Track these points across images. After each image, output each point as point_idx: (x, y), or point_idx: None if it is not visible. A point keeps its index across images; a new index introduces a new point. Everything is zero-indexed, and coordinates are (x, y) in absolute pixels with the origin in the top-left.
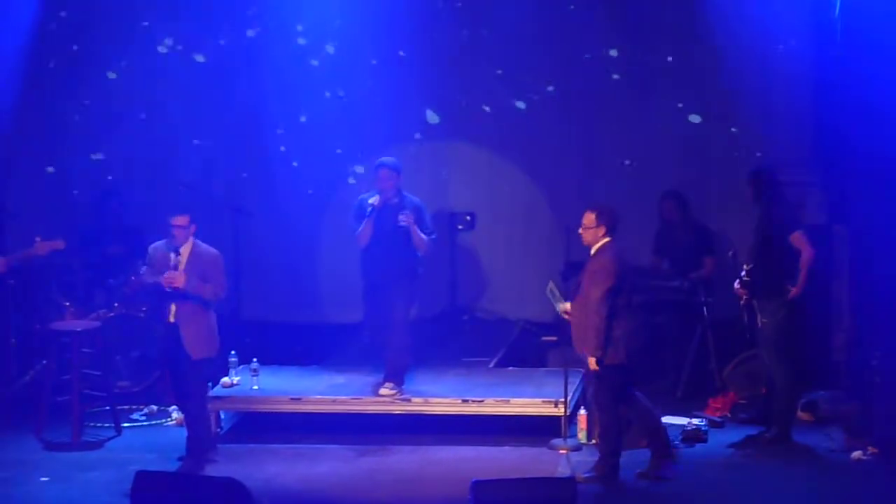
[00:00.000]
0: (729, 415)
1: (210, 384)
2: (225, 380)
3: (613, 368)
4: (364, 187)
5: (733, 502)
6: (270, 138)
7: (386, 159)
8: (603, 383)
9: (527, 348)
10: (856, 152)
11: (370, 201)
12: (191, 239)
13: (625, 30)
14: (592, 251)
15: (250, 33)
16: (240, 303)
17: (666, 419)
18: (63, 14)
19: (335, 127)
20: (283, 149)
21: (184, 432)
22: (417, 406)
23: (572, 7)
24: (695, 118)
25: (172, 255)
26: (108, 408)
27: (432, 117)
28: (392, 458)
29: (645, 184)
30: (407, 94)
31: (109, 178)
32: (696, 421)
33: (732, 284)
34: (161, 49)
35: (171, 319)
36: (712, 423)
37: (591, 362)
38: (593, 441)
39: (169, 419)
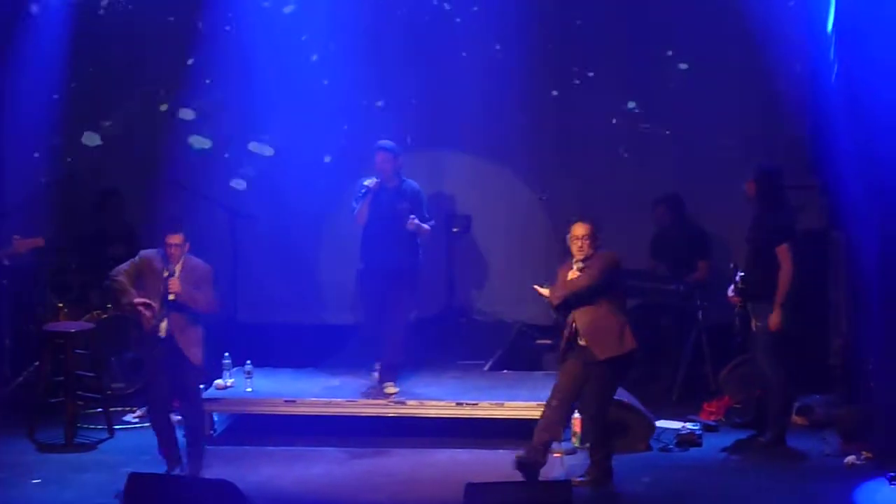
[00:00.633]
0: (723, 419)
1: (203, 385)
2: (219, 382)
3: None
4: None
5: None
6: (267, 139)
7: (384, 142)
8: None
9: (522, 351)
10: (854, 158)
11: (366, 182)
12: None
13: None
14: (584, 262)
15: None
16: (235, 305)
17: (660, 423)
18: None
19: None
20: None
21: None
22: (412, 409)
23: (579, 22)
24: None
25: (167, 271)
26: (101, 409)
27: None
28: (387, 461)
29: (642, 187)
30: (403, 98)
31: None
32: (690, 425)
33: (728, 288)
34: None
35: (162, 334)
36: (707, 427)
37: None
38: (587, 445)
39: None
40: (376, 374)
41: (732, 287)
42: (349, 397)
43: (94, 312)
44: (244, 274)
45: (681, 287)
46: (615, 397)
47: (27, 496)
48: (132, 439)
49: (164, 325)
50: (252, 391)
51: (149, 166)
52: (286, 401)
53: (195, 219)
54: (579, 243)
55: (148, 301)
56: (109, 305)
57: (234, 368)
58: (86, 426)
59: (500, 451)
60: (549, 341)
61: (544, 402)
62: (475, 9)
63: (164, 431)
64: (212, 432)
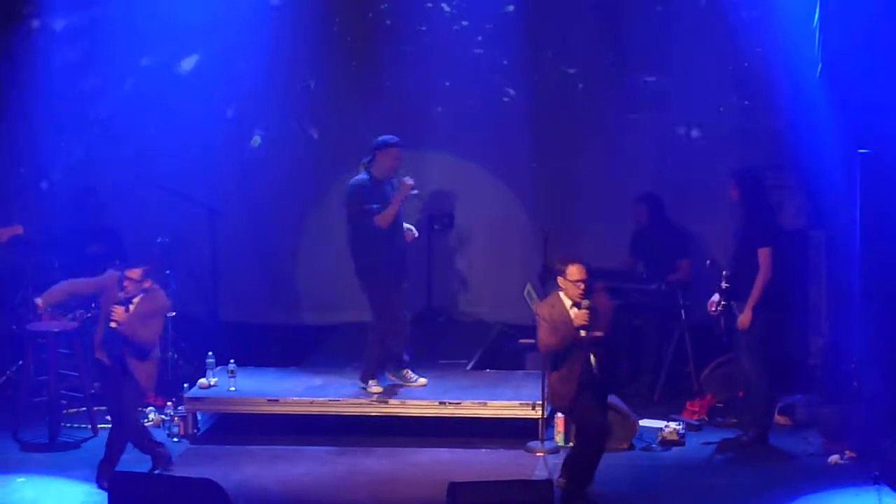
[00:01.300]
0: (706, 418)
1: (186, 385)
2: (202, 381)
3: None
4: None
5: None
6: (247, 139)
7: (394, 137)
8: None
9: (504, 351)
10: (834, 158)
11: (409, 184)
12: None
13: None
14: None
15: None
16: (217, 304)
17: (643, 422)
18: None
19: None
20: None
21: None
22: (395, 408)
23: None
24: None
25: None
26: (84, 408)
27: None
28: (369, 460)
29: (623, 185)
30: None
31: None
32: (673, 424)
33: (710, 287)
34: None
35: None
36: (689, 427)
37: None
38: (570, 444)
39: (146, 420)
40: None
41: (717, 290)
42: (332, 396)
43: (77, 312)
44: (226, 273)
45: (662, 286)
46: None
47: (11, 495)
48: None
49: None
50: (235, 390)
51: (130, 165)
52: (269, 400)
53: (174, 217)
54: (582, 286)
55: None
56: (93, 305)
57: (218, 367)
58: (69, 425)
59: (483, 450)
60: (531, 341)
61: (527, 402)
62: (464, 21)
63: (134, 440)
64: (195, 431)
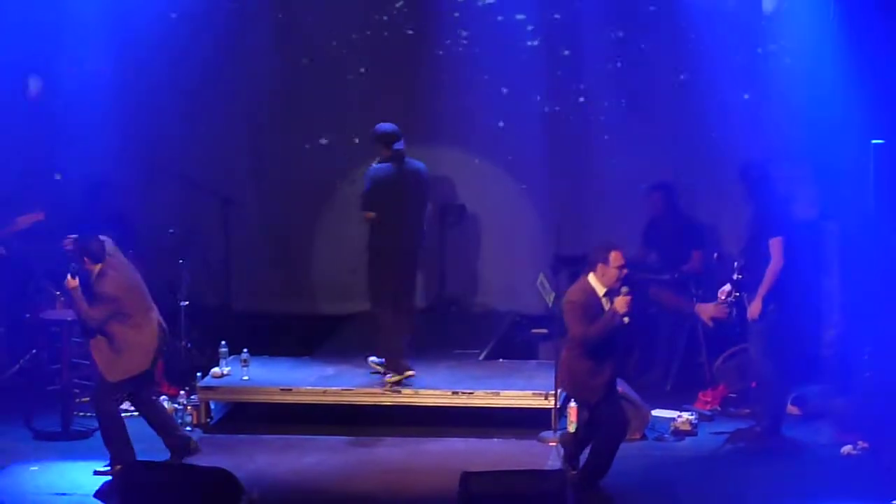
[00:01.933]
0: (719, 408)
1: (199, 374)
2: (215, 370)
3: None
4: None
5: (723, 496)
6: (263, 127)
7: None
8: None
9: (517, 340)
10: (846, 148)
11: None
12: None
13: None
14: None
15: None
16: (230, 294)
17: (656, 412)
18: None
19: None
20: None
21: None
22: (407, 398)
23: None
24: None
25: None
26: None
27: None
28: (382, 450)
29: (634, 176)
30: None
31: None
32: (685, 414)
33: (723, 278)
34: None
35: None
36: (702, 417)
37: None
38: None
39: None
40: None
41: (729, 282)
42: (345, 386)
43: None
44: (238, 263)
45: (675, 276)
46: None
47: (24, 483)
48: (128, 427)
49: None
50: (248, 380)
51: (141, 155)
52: (282, 389)
53: (187, 207)
54: (623, 272)
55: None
56: None
57: (231, 357)
58: (82, 414)
59: (496, 439)
60: (544, 331)
61: (540, 392)
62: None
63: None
64: (208, 420)
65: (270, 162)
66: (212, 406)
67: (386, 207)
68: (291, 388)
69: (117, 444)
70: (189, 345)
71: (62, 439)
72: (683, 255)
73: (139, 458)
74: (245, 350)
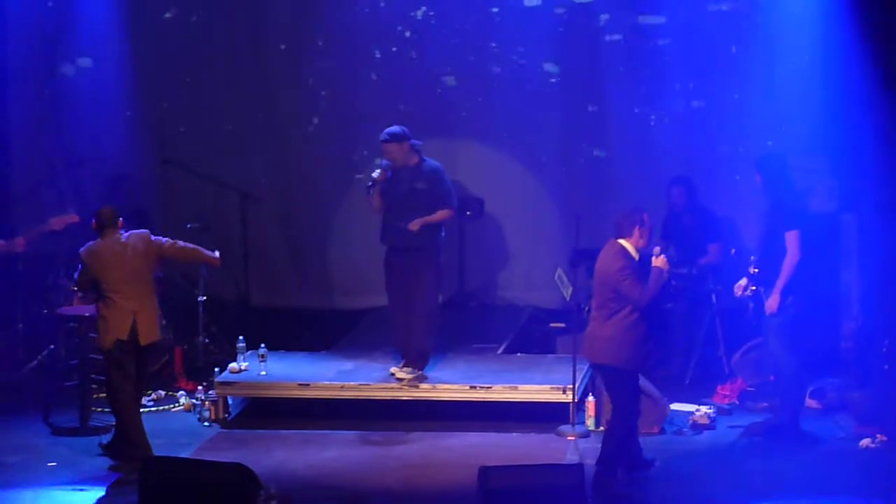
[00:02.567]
0: (737, 402)
1: (217, 370)
2: (233, 365)
3: None
4: None
5: (741, 489)
6: (280, 123)
7: (385, 132)
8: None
9: (535, 335)
10: (865, 140)
11: (373, 174)
12: None
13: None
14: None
15: None
16: (248, 289)
17: (674, 406)
18: None
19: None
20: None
21: (191, 418)
22: (425, 392)
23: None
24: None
25: None
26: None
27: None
28: (400, 445)
29: (652, 169)
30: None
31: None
32: (704, 408)
33: (741, 271)
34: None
35: None
36: (721, 410)
37: None
38: (601, 428)
39: (176, 405)
40: (399, 371)
41: (746, 277)
42: (362, 381)
43: None
44: (256, 258)
45: (693, 270)
46: None
47: (42, 479)
48: (146, 422)
49: None
50: (266, 375)
51: (159, 149)
52: (300, 384)
53: (206, 202)
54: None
55: None
56: None
57: (248, 352)
58: (100, 409)
59: (514, 434)
60: (562, 325)
61: (558, 386)
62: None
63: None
64: (226, 415)
65: (289, 157)
66: (230, 401)
67: None
68: (309, 383)
69: (119, 415)
70: (207, 340)
71: (80, 435)
72: (701, 248)
73: (159, 453)
74: (263, 345)
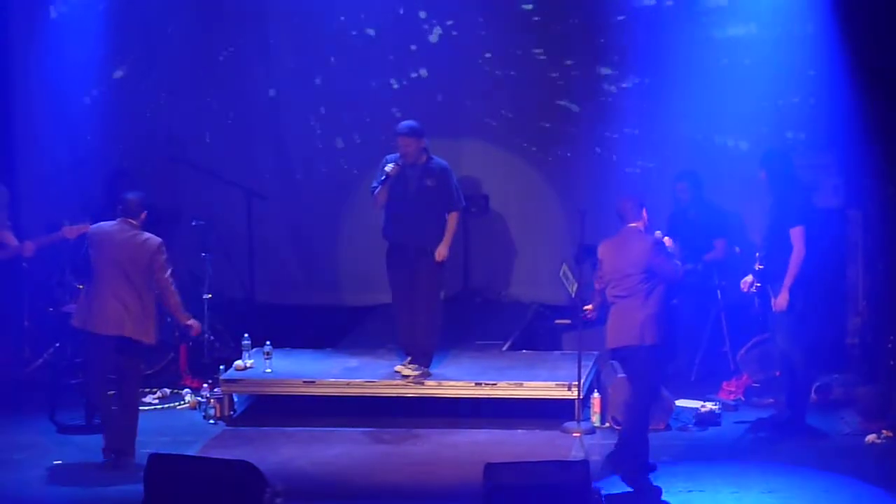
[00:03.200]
0: (743, 398)
1: (222, 367)
2: (238, 363)
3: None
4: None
5: (747, 485)
6: (285, 120)
7: (403, 125)
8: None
9: (540, 331)
10: (872, 136)
11: (386, 168)
12: None
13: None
14: None
15: None
16: (253, 286)
17: (679, 402)
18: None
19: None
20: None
21: (197, 415)
22: (431, 389)
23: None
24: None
25: None
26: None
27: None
28: (405, 441)
29: (657, 165)
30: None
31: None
32: (709, 404)
33: (746, 267)
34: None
35: None
36: (726, 406)
37: None
38: (606, 424)
39: (182, 402)
40: (404, 368)
41: (752, 273)
42: (368, 378)
43: None
44: (261, 255)
45: (699, 266)
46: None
47: (48, 477)
48: (152, 420)
49: None
50: (271, 372)
51: (162, 146)
52: (305, 381)
53: (211, 199)
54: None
55: None
56: None
57: (254, 349)
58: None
59: (519, 431)
60: (567, 321)
61: (563, 382)
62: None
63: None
64: (231, 413)
65: (295, 155)
66: (235, 399)
67: None
68: (315, 381)
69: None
70: (212, 337)
71: (85, 433)
72: (708, 244)
73: (164, 451)
74: (268, 342)
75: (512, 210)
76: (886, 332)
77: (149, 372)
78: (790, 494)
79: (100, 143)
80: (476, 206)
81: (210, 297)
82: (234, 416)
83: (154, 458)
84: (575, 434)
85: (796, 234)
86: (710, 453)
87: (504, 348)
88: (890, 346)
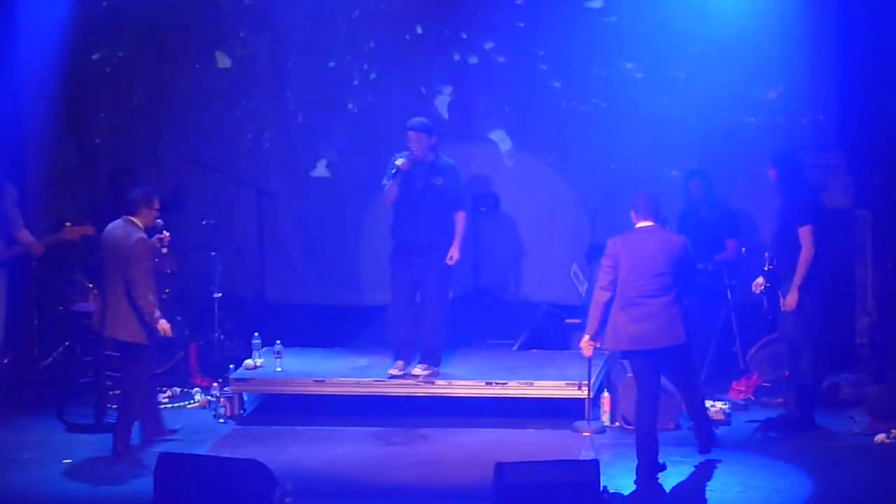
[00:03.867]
0: (752, 397)
1: (232, 366)
2: (248, 362)
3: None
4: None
5: (756, 484)
6: (294, 119)
7: (415, 121)
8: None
9: (550, 331)
10: (881, 136)
11: (396, 162)
12: None
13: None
14: None
15: None
16: (263, 285)
17: None
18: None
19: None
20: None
21: (207, 414)
22: (441, 388)
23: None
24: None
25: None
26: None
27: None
28: (415, 441)
29: (668, 164)
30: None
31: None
32: (719, 403)
33: (757, 267)
34: None
35: None
36: (736, 406)
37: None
38: (616, 423)
39: (192, 401)
40: (397, 370)
41: (761, 274)
42: (378, 377)
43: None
44: (272, 254)
45: (709, 266)
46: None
47: (57, 476)
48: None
49: None
50: (281, 371)
51: (173, 144)
52: (315, 381)
53: (221, 198)
54: None
55: None
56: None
57: (264, 349)
58: (115, 406)
59: (529, 430)
60: (578, 321)
61: (573, 382)
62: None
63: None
64: (241, 412)
65: (305, 152)
66: (245, 398)
67: None
68: (325, 380)
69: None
70: (222, 336)
71: (95, 432)
72: (719, 243)
73: (174, 450)
74: (278, 341)
75: (522, 209)
76: (895, 331)
77: (159, 371)
78: (799, 494)
79: (108, 144)
80: (486, 205)
81: (220, 296)
82: (244, 415)
83: (164, 457)
84: (585, 433)
85: (805, 234)
86: (720, 452)
87: (514, 348)
88: None
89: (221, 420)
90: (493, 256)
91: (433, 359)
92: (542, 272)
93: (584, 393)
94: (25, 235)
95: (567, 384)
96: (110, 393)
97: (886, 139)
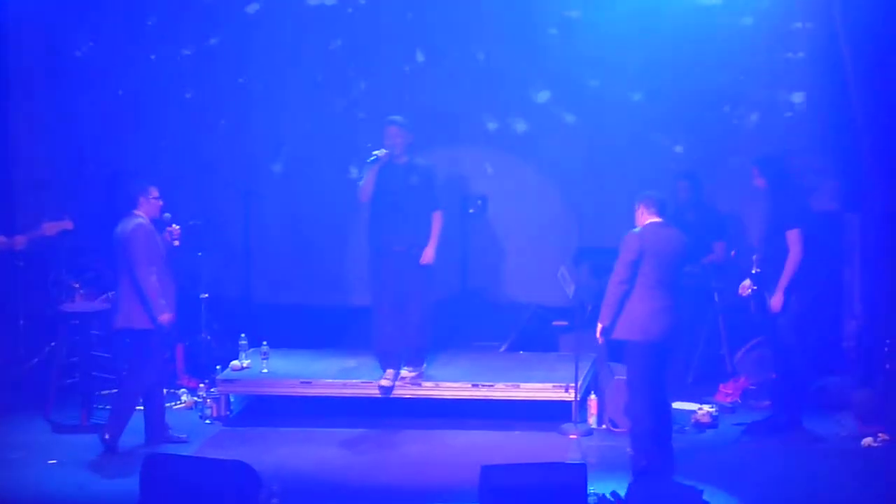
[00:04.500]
0: (739, 400)
1: (219, 367)
2: (235, 363)
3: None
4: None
5: (743, 488)
6: (282, 120)
7: (395, 117)
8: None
9: (538, 333)
10: (869, 140)
11: (374, 152)
12: None
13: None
14: None
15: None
16: (250, 286)
17: (676, 404)
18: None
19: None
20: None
21: (193, 415)
22: (428, 390)
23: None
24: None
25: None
26: (117, 390)
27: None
28: (402, 443)
29: (657, 167)
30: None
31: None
32: (706, 406)
33: (745, 270)
34: None
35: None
36: (723, 409)
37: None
38: (603, 426)
39: (178, 402)
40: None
41: (749, 277)
42: (365, 378)
43: (110, 293)
44: (259, 254)
45: (696, 268)
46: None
47: (43, 476)
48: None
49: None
50: (268, 372)
51: (163, 146)
52: (302, 382)
53: (208, 199)
54: None
55: None
56: None
57: (251, 349)
58: (101, 406)
59: (516, 432)
60: (565, 323)
61: (560, 384)
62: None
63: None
64: (228, 413)
65: (292, 153)
66: (231, 399)
67: None
68: (312, 381)
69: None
70: (209, 337)
71: (81, 432)
72: (706, 246)
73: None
74: (265, 342)
75: (510, 211)
76: (883, 334)
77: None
78: (786, 497)
79: (101, 144)
80: (475, 206)
81: (207, 297)
82: (231, 416)
83: (150, 457)
84: (572, 436)
85: (793, 237)
86: (707, 456)
87: (501, 349)
88: (886, 349)
89: (208, 421)
90: (481, 258)
91: (419, 360)
92: (529, 274)
93: (571, 395)
94: None
95: (554, 386)
96: (97, 393)
97: (873, 142)
